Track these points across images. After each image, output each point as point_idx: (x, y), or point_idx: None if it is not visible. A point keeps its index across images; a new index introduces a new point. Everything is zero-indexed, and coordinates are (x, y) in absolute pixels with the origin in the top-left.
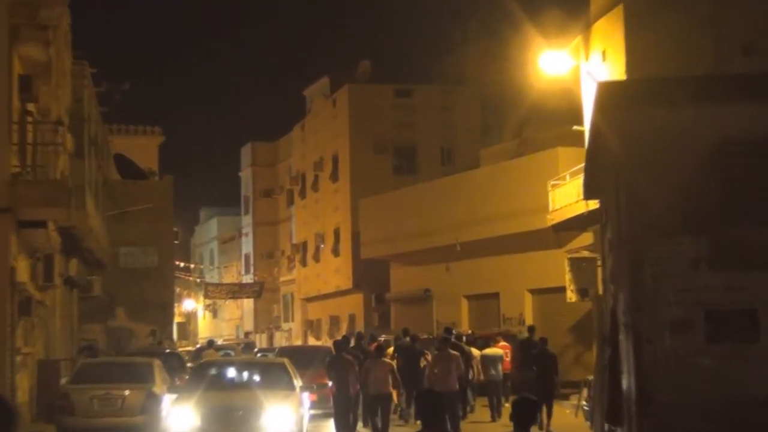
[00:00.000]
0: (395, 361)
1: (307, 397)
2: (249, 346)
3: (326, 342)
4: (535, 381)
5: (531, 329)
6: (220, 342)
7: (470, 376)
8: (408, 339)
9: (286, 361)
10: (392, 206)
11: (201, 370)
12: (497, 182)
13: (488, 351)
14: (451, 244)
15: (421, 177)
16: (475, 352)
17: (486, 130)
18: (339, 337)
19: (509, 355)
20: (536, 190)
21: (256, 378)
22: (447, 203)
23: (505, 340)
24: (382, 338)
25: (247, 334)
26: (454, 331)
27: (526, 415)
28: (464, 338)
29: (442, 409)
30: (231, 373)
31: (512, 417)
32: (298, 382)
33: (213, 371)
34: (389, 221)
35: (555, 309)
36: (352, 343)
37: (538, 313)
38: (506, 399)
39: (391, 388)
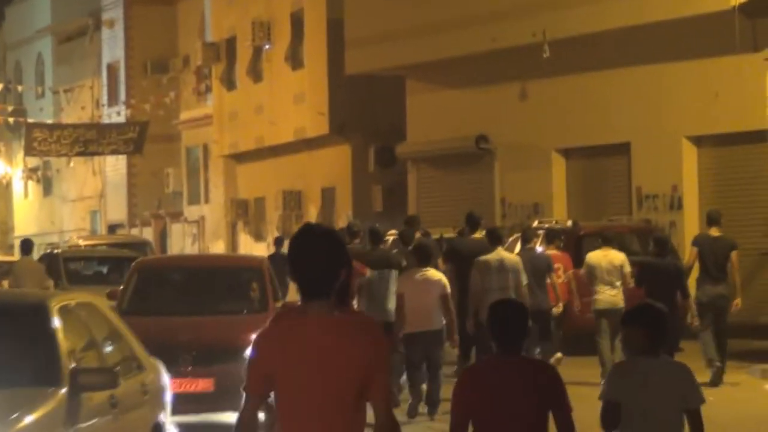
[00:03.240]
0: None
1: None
2: (138, 248)
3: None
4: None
5: (712, 217)
6: (63, 246)
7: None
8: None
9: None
10: None
11: None
12: None
13: (595, 256)
14: (530, 43)
15: None
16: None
17: None
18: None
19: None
20: None
21: None
22: None
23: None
24: (389, 236)
25: (113, 227)
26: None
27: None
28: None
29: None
30: None
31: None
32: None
33: None
34: None
35: (746, 176)
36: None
37: (710, 185)
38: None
39: (443, 321)
